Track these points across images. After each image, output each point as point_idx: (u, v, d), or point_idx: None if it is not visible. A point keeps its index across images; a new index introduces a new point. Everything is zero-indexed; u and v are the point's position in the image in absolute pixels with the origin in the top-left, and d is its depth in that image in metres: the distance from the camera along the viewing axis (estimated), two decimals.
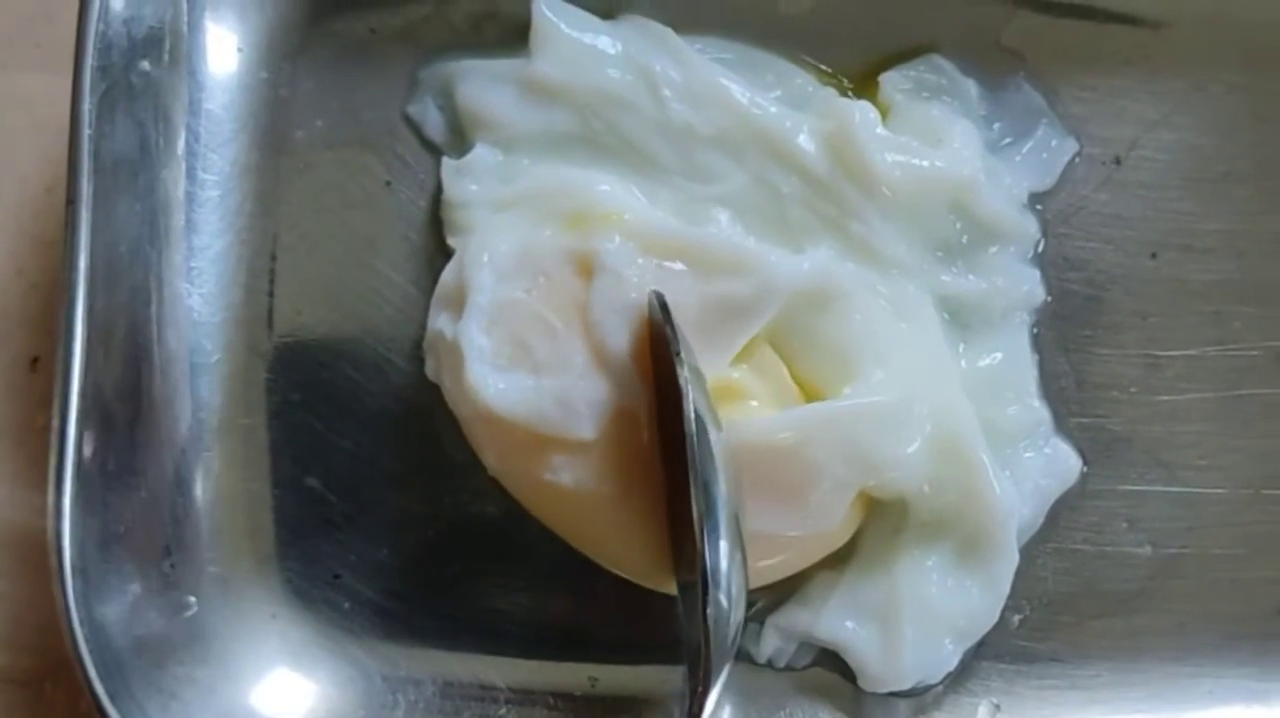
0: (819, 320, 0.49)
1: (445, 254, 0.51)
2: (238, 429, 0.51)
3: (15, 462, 0.52)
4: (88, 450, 0.47)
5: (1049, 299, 0.52)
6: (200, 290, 0.51)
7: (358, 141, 0.52)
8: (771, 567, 0.49)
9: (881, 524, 0.50)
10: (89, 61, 0.48)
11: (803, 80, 0.52)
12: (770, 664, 0.51)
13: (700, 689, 0.42)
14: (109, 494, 0.48)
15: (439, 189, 0.52)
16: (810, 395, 0.49)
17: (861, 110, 0.50)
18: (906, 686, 0.50)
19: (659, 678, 0.51)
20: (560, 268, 0.47)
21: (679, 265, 0.47)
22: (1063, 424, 0.52)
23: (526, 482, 0.47)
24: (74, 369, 0.47)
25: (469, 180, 0.51)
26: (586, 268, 0.47)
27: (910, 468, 0.48)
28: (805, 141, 0.50)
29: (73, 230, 0.47)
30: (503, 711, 0.51)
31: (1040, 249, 0.52)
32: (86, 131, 0.48)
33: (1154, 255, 0.53)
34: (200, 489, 0.51)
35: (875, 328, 0.49)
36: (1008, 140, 0.53)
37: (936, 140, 0.51)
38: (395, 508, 0.52)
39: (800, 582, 0.51)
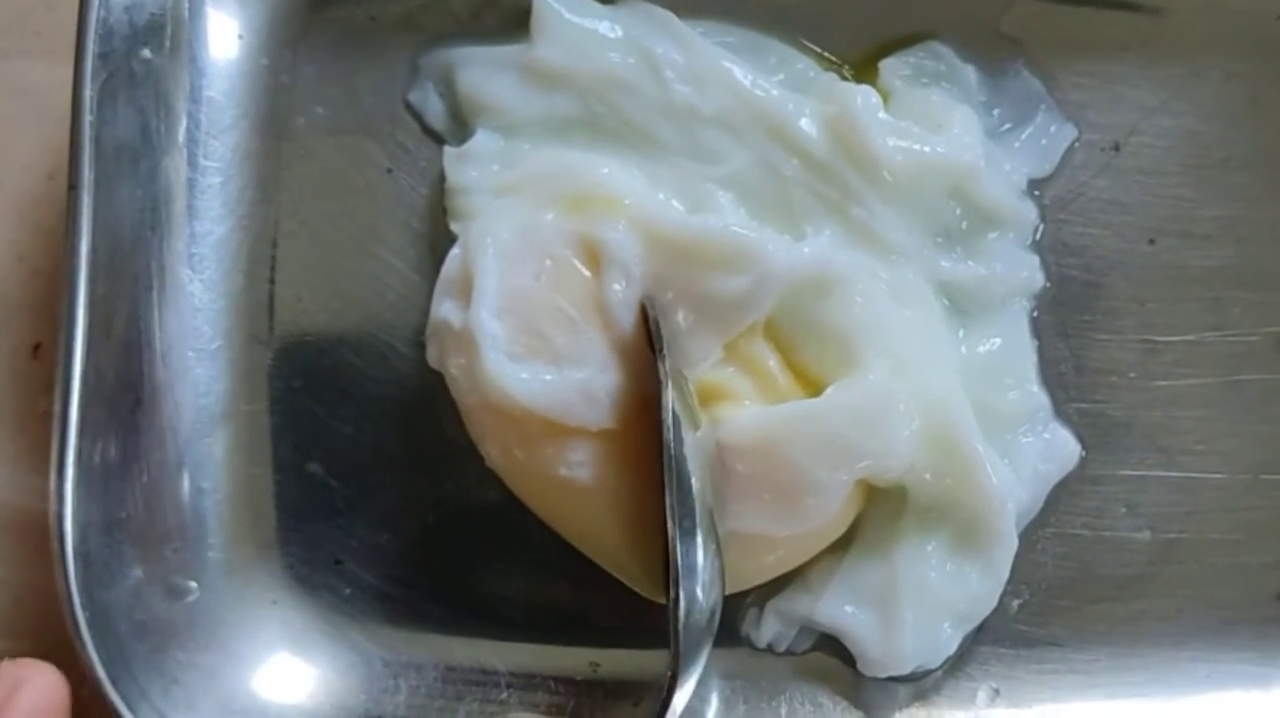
0: (820, 306, 0.49)
1: (447, 240, 0.51)
2: (239, 415, 0.51)
3: (17, 447, 0.53)
4: (89, 436, 0.47)
5: (1048, 285, 0.52)
6: (201, 277, 0.51)
7: (359, 128, 0.52)
8: (771, 563, 0.50)
9: (881, 510, 0.50)
10: (90, 49, 0.48)
11: (804, 65, 0.52)
12: (770, 649, 0.51)
13: (670, 679, 0.43)
14: (110, 480, 0.48)
15: (440, 176, 0.52)
16: (811, 382, 0.49)
17: (864, 95, 0.50)
18: (906, 670, 0.50)
19: (660, 663, 0.50)
20: (565, 252, 0.47)
21: (678, 258, 0.47)
22: (1062, 409, 0.52)
23: (533, 476, 0.47)
24: (75, 355, 0.47)
25: (470, 166, 0.51)
26: (592, 255, 0.47)
27: (897, 462, 0.48)
28: (807, 124, 0.50)
29: (74, 217, 0.47)
30: (504, 695, 0.51)
31: (1039, 235, 0.53)
32: (88, 118, 0.48)
33: (1152, 241, 0.53)
34: (202, 475, 0.51)
35: (876, 314, 0.49)
36: (1007, 126, 0.53)
37: (936, 126, 0.51)
38: (397, 494, 0.52)
39: (800, 566, 0.51)
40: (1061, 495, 0.52)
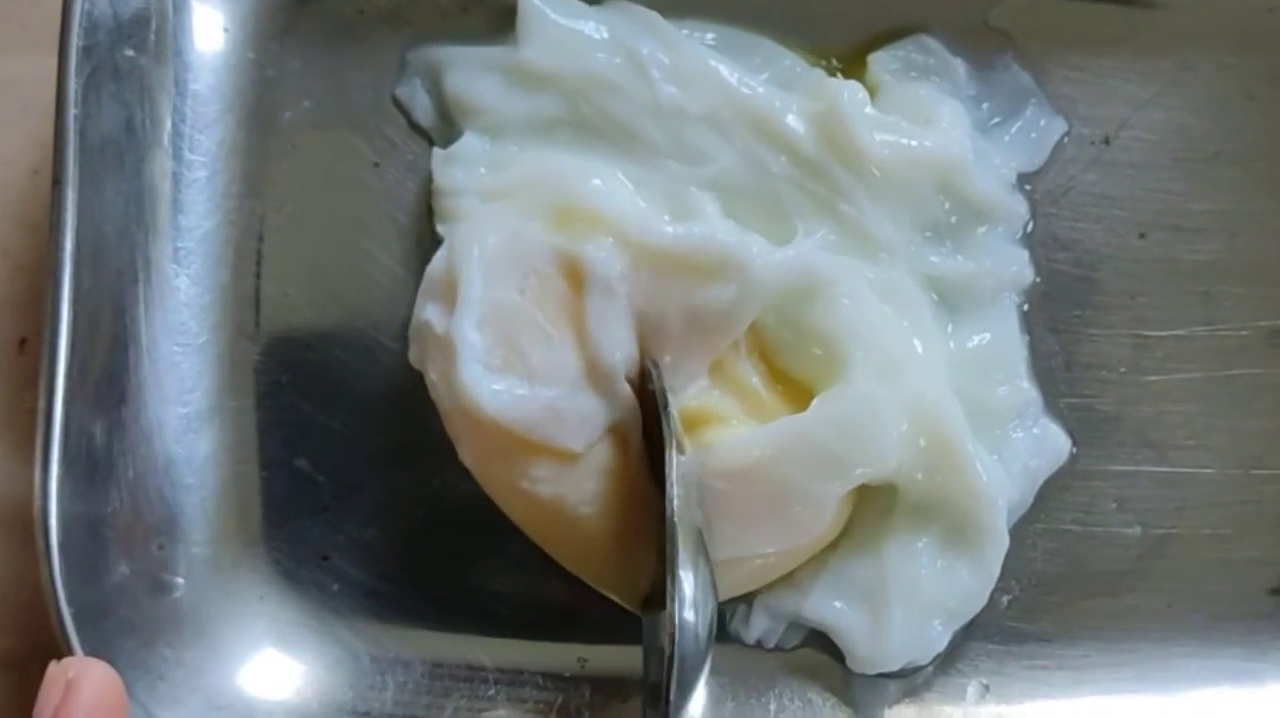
0: (806, 310, 0.49)
1: (434, 236, 0.51)
2: (226, 411, 0.51)
3: (3, 443, 0.52)
4: (74, 432, 0.47)
5: (1038, 280, 0.52)
6: (187, 272, 0.51)
7: (345, 123, 0.52)
8: (762, 570, 0.50)
9: (872, 507, 0.50)
10: (74, 42, 0.48)
11: (791, 61, 0.52)
12: (759, 645, 0.51)
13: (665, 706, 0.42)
14: (96, 475, 0.48)
15: (427, 171, 0.51)
16: (799, 389, 0.49)
17: (850, 90, 0.50)
18: (896, 667, 0.50)
19: None
20: (550, 268, 0.47)
21: (665, 273, 0.47)
22: (1052, 405, 0.52)
23: (502, 484, 0.47)
24: (60, 350, 0.47)
25: (457, 168, 0.50)
26: (576, 274, 0.47)
27: (887, 466, 0.48)
28: (794, 121, 0.50)
29: (58, 212, 0.47)
30: (492, 691, 0.51)
31: (1029, 229, 0.52)
32: (72, 112, 0.47)
33: (1143, 235, 0.53)
34: (188, 471, 0.50)
35: (863, 315, 0.49)
36: (996, 120, 0.52)
37: (925, 120, 0.51)
38: (384, 489, 0.51)
39: None
40: (1052, 491, 0.52)
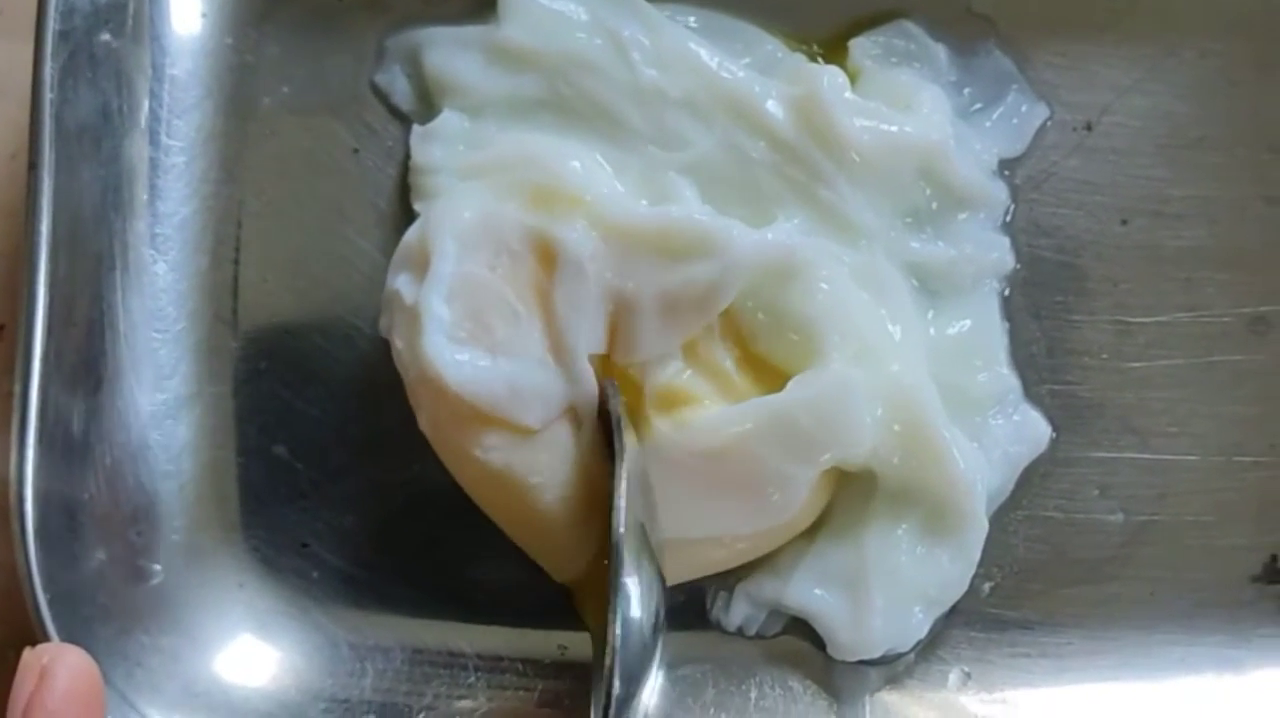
0: (784, 294, 0.49)
1: (413, 221, 0.50)
2: (204, 397, 0.51)
3: None
4: (51, 417, 0.47)
5: (1019, 266, 0.52)
6: (165, 258, 0.51)
7: (325, 109, 0.52)
8: (740, 551, 0.49)
9: (851, 494, 0.50)
10: (51, 26, 0.48)
11: (772, 46, 0.52)
12: (740, 632, 0.51)
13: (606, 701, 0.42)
14: (73, 461, 0.48)
15: (407, 157, 0.51)
16: (774, 374, 0.49)
17: (830, 75, 0.50)
18: (876, 653, 0.50)
19: None
20: (523, 248, 0.47)
21: (642, 253, 0.47)
22: (1033, 391, 0.52)
23: (457, 451, 0.47)
24: (36, 335, 0.47)
25: (435, 146, 0.50)
26: (548, 254, 0.47)
27: (861, 450, 0.48)
28: (774, 106, 0.50)
29: (34, 196, 0.47)
30: (471, 678, 0.51)
31: (1010, 216, 0.52)
32: (48, 96, 0.47)
33: (1125, 222, 0.52)
34: (166, 457, 0.50)
35: (840, 300, 0.49)
36: (978, 106, 0.52)
37: (905, 106, 0.50)
38: (364, 476, 0.51)
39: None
40: (1033, 478, 0.52)
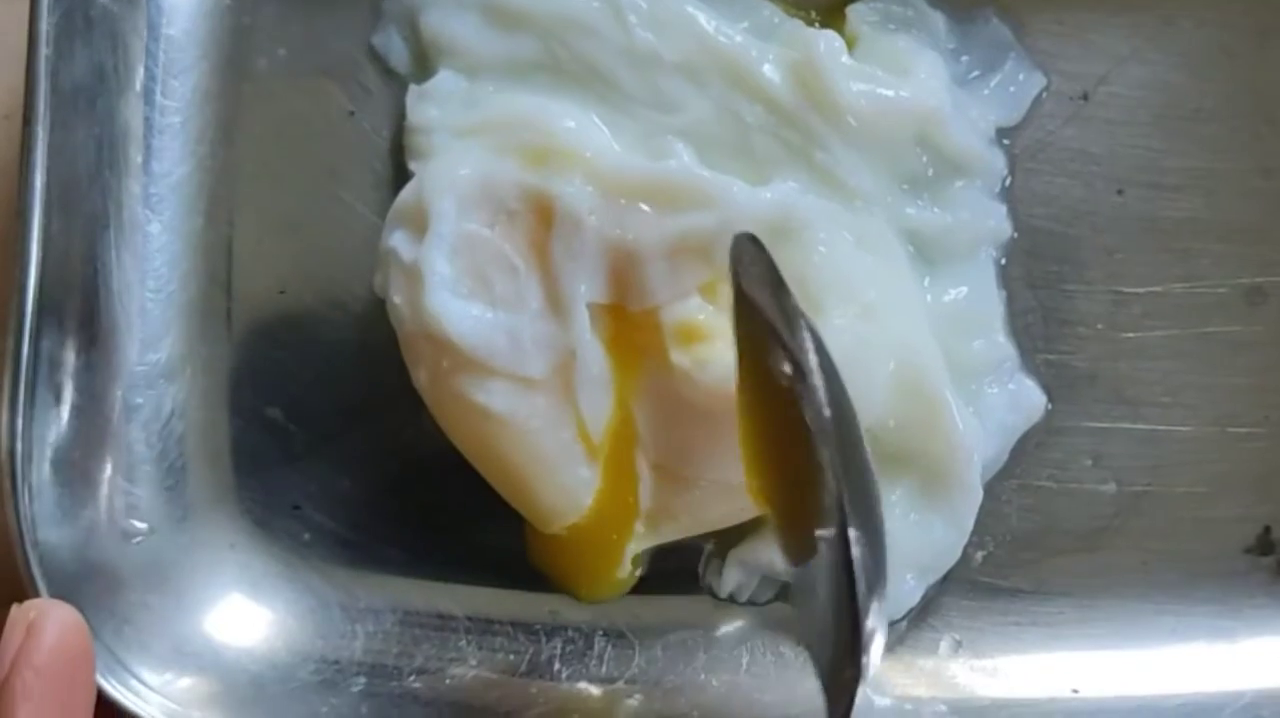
0: (781, 254, 0.48)
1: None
2: (197, 358, 0.51)
3: None
4: (44, 375, 0.47)
5: (1015, 235, 0.52)
6: (160, 218, 0.51)
7: (321, 70, 0.52)
8: (735, 511, 0.49)
9: None
10: None
11: (770, 11, 0.51)
12: (732, 599, 0.51)
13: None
14: (65, 419, 0.48)
15: (402, 119, 0.51)
16: None
17: (826, 39, 0.49)
18: None
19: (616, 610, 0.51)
20: (520, 206, 0.47)
21: (640, 204, 0.47)
22: (1028, 360, 0.52)
23: (454, 404, 0.47)
24: (29, 292, 0.46)
25: (432, 105, 0.50)
26: (546, 212, 0.47)
27: (871, 406, 0.48)
28: (770, 71, 0.49)
29: (28, 151, 0.47)
30: (462, 641, 0.51)
31: (1007, 184, 0.52)
32: (44, 52, 0.47)
33: (1121, 192, 0.52)
34: (158, 417, 0.50)
35: (839, 261, 0.49)
36: (975, 74, 0.52)
37: (902, 72, 0.50)
38: (357, 439, 0.51)
39: (764, 516, 0.50)
40: (1027, 447, 0.52)
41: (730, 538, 0.51)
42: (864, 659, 0.38)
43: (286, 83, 0.52)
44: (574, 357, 0.47)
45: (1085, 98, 0.52)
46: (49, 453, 0.47)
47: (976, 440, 0.50)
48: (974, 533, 0.50)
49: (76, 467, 0.48)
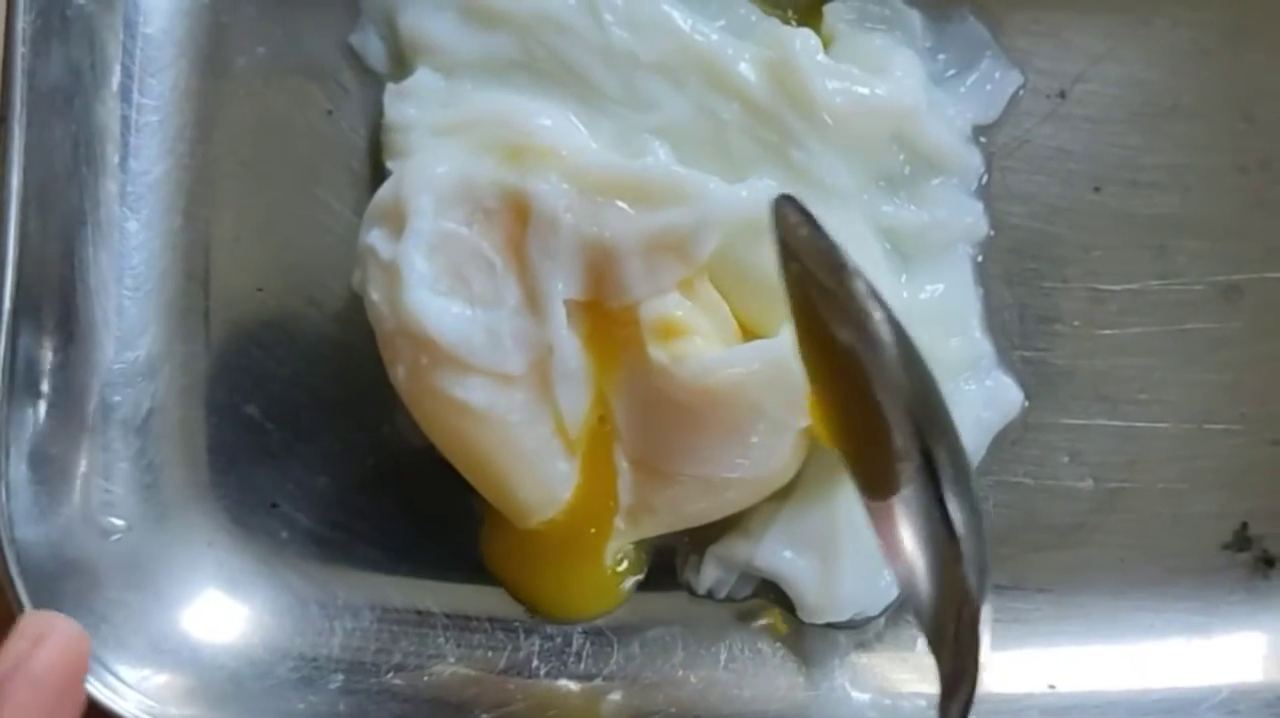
0: (758, 252, 0.48)
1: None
2: (175, 356, 0.51)
3: None
4: (22, 372, 0.47)
5: (992, 232, 0.52)
6: (138, 216, 0.51)
7: (299, 69, 0.52)
8: (715, 506, 0.50)
9: (824, 456, 0.50)
10: None
11: (746, 10, 0.52)
12: (710, 595, 0.51)
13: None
14: (42, 416, 0.48)
15: (381, 118, 0.51)
16: (749, 332, 0.49)
17: (802, 37, 0.49)
18: (845, 616, 0.50)
19: None
20: (497, 204, 0.47)
21: (617, 201, 0.47)
22: (1005, 357, 0.52)
23: (432, 401, 0.48)
24: (6, 290, 0.47)
25: (409, 104, 0.50)
26: (523, 208, 0.47)
27: None
28: (746, 69, 0.49)
29: (5, 149, 0.47)
30: (440, 638, 0.51)
31: (984, 182, 0.52)
32: (20, 50, 0.47)
33: (1098, 189, 0.52)
34: (137, 415, 0.50)
35: None
36: (952, 72, 0.52)
37: (879, 70, 0.50)
38: (334, 437, 0.51)
39: (742, 512, 0.50)
40: (1004, 444, 0.52)
41: (708, 534, 0.51)
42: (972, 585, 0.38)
43: (264, 81, 0.52)
44: (551, 353, 0.47)
45: (1062, 96, 0.53)
46: (26, 450, 0.47)
47: None
48: None
49: (54, 464, 0.48)
